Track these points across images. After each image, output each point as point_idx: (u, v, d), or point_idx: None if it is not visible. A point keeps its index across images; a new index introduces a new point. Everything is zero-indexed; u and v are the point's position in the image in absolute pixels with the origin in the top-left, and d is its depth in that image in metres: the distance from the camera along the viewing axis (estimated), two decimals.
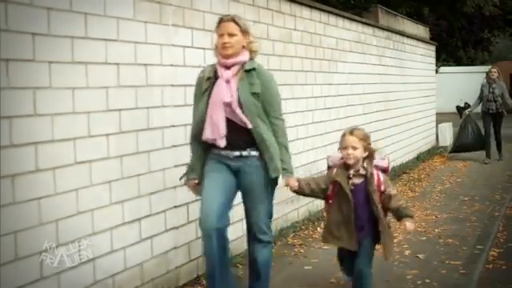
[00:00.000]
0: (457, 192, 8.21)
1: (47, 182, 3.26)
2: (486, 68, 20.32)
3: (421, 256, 5.17)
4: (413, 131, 11.44)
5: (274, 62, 5.80)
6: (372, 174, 3.73)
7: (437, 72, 15.83)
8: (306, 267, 4.93)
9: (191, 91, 4.49)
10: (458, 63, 27.81)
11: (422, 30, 13.20)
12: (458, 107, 11.39)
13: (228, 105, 3.56)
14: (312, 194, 3.88)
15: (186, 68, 4.42)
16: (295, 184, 3.76)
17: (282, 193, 4.12)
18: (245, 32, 3.66)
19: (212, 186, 3.64)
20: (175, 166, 4.28)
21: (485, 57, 28.74)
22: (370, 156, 3.77)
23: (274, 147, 3.64)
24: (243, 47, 3.66)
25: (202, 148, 3.72)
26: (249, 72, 3.64)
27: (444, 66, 25.56)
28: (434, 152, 12.32)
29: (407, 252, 5.29)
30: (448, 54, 23.62)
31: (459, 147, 11.23)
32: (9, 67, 3.02)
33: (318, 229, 6.04)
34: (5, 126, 3.01)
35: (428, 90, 12.96)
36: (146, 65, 4.03)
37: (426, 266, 4.91)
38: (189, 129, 4.44)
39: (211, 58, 4.74)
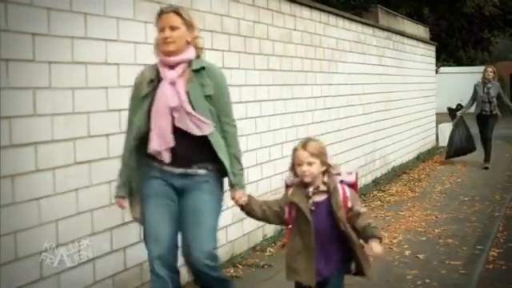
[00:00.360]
0: (457, 192, 8.21)
1: (47, 182, 3.26)
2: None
3: (421, 256, 5.17)
4: (413, 131, 11.45)
5: (274, 62, 5.80)
6: (336, 188, 3.14)
7: (437, 72, 15.82)
8: None
9: None
10: (458, 63, 27.81)
11: (421, 30, 13.20)
12: (449, 109, 10.63)
13: (175, 110, 3.05)
14: (264, 217, 3.27)
15: None
16: (244, 198, 3.24)
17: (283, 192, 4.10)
18: (189, 25, 3.16)
19: (157, 216, 3.13)
20: None
21: (485, 57, 28.73)
22: (330, 170, 3.19)
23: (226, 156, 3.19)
24: (187, 43, 3.15)
25: (138, 161, 3.18)
26: (198, 72, 3.15)
27: (444, 66, 25.56)
28: (434, 152, 12.33)
29: (407, 252, 5.29)
30: (448, 54, 23.63)
31: (454, 152, 10.75)
32: (9, 67, 3.02)
33: None
34: (5, 126, 3.01)
35: (428, 90, 12.97)
36: (145, 65, 4.02)
37: (426, 266, 4.91)
38: None
39: (211, 59, 4.75)
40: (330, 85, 7.26)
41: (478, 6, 16.85)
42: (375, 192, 8.13)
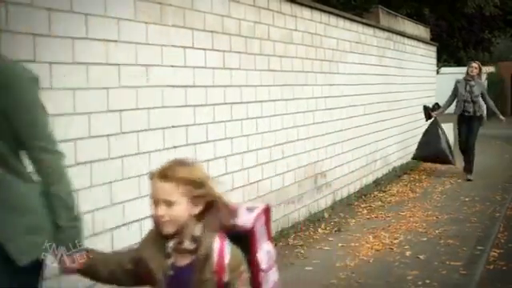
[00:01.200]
0: (457, 193, 8.21)
1: None
2: (486, 69, 20.13)
3: (421, 257, 5.17)
4: (414, 132, 11.43)
5: (274, 63, 5.80)
6: (208, 250, 1.98)
7: (438, 73, 15.78)
8: (307, 268, 4.92)
9: (192, 92, 4.50)
10: (459, 64, 27.80)
11: (422, 31, 13.19)
12: (425, 107, 9.57)
13: None
14: (113, 279, 2.16)
15: (186, 69, 4.42)
16: (78, 264, 2.15)
17: (284, 193, 4.12)
18: None
19: None
20: None
21: (485, 58, 28.71)
22: (211, 214, 2.02)
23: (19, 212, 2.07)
24: None
25: None
26: None
27: (445, 66, 25.55)
28: None
29: (408, 253, 5.29)
30: (449, 55, 23.61)
31: (451, 152, 9.69)
32: None
33: (319, 229, 6.05)
34: None
35: (429, 91, 12.96)
36: (146, 65, 4.03)
37: (426, 266, 4.91)
38: (190, 130, 4.46)
39: (212, 59, 4.76)
40: (331, 85, 7.26)
41: (479, 6, 16.84)
42: (376, 192, 8.14)
